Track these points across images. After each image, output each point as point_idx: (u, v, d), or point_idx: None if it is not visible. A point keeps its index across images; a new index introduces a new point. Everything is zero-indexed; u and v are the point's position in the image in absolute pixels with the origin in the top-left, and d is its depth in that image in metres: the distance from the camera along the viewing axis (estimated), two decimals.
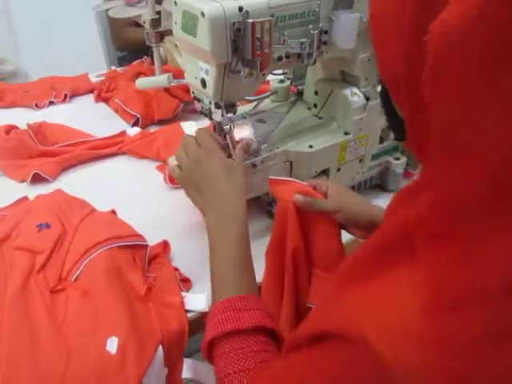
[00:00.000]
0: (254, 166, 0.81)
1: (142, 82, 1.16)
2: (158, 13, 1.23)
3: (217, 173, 0.67)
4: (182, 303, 0.71)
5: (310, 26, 0.75)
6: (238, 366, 0.48)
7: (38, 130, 1.19)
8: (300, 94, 1.04)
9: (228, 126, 0.75)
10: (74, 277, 0.68)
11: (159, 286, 0.73)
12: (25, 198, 0.92)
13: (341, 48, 0.78)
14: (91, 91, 1.51)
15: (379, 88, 0.44)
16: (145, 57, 1.62)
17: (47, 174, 1.04)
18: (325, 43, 0.78)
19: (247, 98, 0.93)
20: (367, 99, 0.88)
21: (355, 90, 0.88)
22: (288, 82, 1.05)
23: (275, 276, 0.68)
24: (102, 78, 1.57)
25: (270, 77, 0.90)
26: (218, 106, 0.73)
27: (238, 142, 0.76)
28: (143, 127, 1.28)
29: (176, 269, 0.78)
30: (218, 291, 0.57)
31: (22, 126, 1.20)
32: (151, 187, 1.04)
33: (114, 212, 0.87)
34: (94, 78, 1.60)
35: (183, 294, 0.73)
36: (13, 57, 2.15)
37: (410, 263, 0.32)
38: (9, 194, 0.94)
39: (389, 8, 0.35)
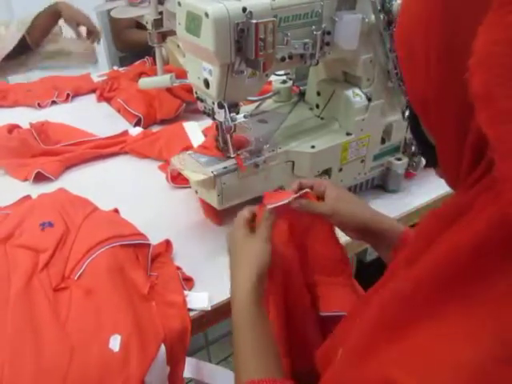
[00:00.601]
0: (256, 165, 0.81)
1: (144, 82, 1.16)
2: (161, 13, 1.23)
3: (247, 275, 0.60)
4: (185, 302, 0.71)
5: (313, 27, 0.75)
6: None
7: (41, 130, 1.20)
8: (302, 94, 1.04)
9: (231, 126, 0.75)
10: (77, 275, 0.69)
11: (162, 285, 0.74)
12: (28, 197, 0.92)
13: (343, 49, 0.79)
14: (93, 91, 1.51)
15: (407, 113, 0.43)
16: (147, 57, 1.62)
17: (50, 172, 1.05)
18: (327, 44, 0.78)
19: (249, 98, 0.93)
20: (369, 100, 0.88)
21: (357, 90, 0.88)
22: (290, 83, 1.06)
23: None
24: (104, 77, 1.57)
25: (272, 77, 0.90)
26: (221, 106, 0.73)
27: (238, 144, 0.77)
28: (145, 127, 1.28)
29: (178, 268, 0.78)
30: (240, 373, 0.53)
31: (25, 125, 1.21)
32: (153, 187, 1.04)
33: (116, 211, 0.87)
34: (95, 78, 1.61)
35: (185, 292, 0.73)
36: None
37: (478, 300, 0.29)
38: (12, 193, 0.94)
39: (415, 32, 0.34)
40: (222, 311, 0.74)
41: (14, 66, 1.23)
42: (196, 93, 0.80)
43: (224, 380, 0.82)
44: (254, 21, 0.64)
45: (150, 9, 1.23)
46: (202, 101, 0.79)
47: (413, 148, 0.97)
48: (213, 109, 0.76)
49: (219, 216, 0.90)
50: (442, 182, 0.43)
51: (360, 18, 0.77)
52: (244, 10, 0.65)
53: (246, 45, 0.66)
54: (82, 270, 0.69)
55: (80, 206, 0.83)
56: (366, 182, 1.00)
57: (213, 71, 0.70)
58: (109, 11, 1.44)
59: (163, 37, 1.28)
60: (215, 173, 0.80)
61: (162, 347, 0.65)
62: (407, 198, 0.99)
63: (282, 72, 1.06)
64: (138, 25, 1.98)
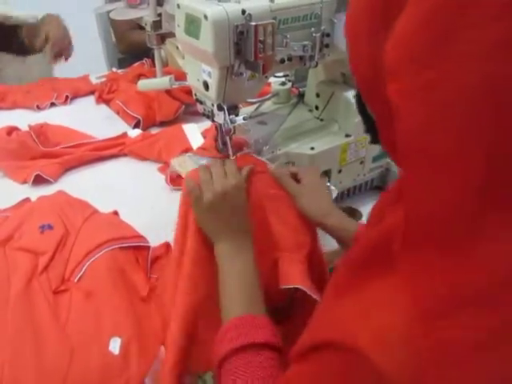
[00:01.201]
0: None
1: (143, 84, 1.16)
2: (159, 15, 1.23)
3: (244, 207, 0.68)
4: None
5: (312, 29, 0.75)
6: (247, 379, 0.49)
7: (40, 132, 1.20)
8: (301, 96, 1.04)
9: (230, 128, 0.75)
10: (77, 278, 0.69)
11: (161, 287, 0.73)
12: (27, 200, 0.92)
13: (342, 50, 0.79)
14: (92, 93, 1.51)
15: (354, 92, 0.45)
16: (145, 59, 1.62)
17: (49, 175, 1.04)
18: (327, 46, 0.78)
19: (249, 100, 0.93)
20: None
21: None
22: (289, 84, 1.06)
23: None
24: (103, 79, 1.57)
25: (271, 79, 0.90)
26: (220, 108, 0.73)
27: (237, 146, 0.77)
28: (144, 129, 1.28)
29: None
30: (229, 312, 0.58)
31: (24, 127, 1.21)
32: (153, 189, 1.04)
33: (116, 213, 0.87)
34: (94, 80, 1.61)
35: None
36: None
37: (392, 272, 0.33)
38: (11, 196, 0.94)
39: (360, 9, 0.37)
40: None
41: None
42: (195, 95, 0.80)
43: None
44: (254, 23, 0.64)
45: (148, 10, 1.24)
46: (201, 103, 0.79)
47: None
48: (212, 111, 0.76)
49: None
50: None
51: None
52: (243, 12, 0.65)
53: (245, 47, 0.66)
54: (81, 273, 0.69)
55: (79, 209, 0.83)
56: (366, 184, 1.00)
57: (212, 73, 0.70)
58: (108, 13, 1.44)
59: (162, 38, 1.28)
60: None
61: (162, 349, 0.65)
62: None
63: (281, 74, 1.06)
64: (141, 25, 1.98)
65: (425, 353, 0.29)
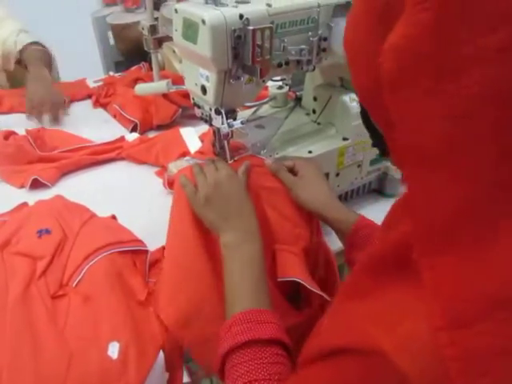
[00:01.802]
0: None
1: (141, 88, 1.16)
2: (156, 19, 1.23)
3: (239, 194, 0.68)
4: None
5: (310, 33, 0.75)
6: (252, 376, 0.48)
7: (37, 136, 1.19)
8: (298, 99, 1.04)
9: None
10: (75, 282, 0.69)
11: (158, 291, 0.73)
12: (24, 204, 0.92)
13: (340, 54, 0.79)
14: (89, 97, 1.51)
15: (351, 95, 0.45)
16: (142, 62, 1.62)
17: (46, 179, 1.04)
18: (324, 50, 0.79)
19: (246, 104, 0.94)
20: None
21: (354, 95, 0.88)
22: (286, 88, 1.06)
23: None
24: (100, 83, 1.57)
25: (268, 83, 0.90)
26: (218, 112, 0.73)
27: (235, 149, 0.77)
28: (142, 133, 1.28)
29: None
30: (233, 305, 0.57)
31: (21, 131, 1.20)
32: (150, 192, 1.04)
33: (114, 217, 0.87)
34: (91, 84, 1.61)
35: None
36: None
37: (413, 279, 0.33)
38: (8, 200, 0.94)
39: (359, 22, 0.38)
40: None
41: None
42: (193, 99, 0.80)
43: None
44: (251, 27, 0.64)
45: (145, 15, 1.24)
46: (199, 107, 0.79)
47: None
48: (210, 115, 0.76)
49: None
50: None
51: None
52: (241, 16, 0.65)
53: (242, 51, 0.66)
54: (79, 277, 0.69)
55: (77, 213, 0.83)
56: (363, 187, 1.00)
57: (210, 77, 0.70)
58: (105, 17, 1.45)
59: (159, 42, 1.28)
60: None
61: (161, 353, 0.64)
62: None
63: (278, 78, 1.06)
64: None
65: (452, 362, 0.29)
